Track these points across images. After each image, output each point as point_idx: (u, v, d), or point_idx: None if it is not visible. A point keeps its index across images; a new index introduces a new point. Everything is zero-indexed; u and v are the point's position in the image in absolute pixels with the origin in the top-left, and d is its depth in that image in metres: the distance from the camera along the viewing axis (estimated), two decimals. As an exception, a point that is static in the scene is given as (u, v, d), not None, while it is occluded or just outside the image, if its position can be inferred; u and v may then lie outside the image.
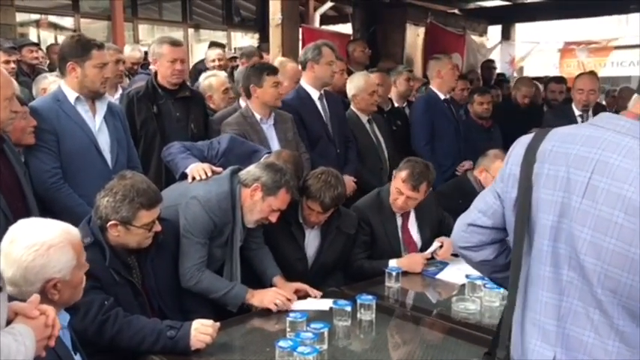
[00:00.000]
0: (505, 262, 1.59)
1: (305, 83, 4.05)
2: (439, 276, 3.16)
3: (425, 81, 5.84)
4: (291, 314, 2.38)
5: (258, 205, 2.75)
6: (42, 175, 2.86)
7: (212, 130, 3.70)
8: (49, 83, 3.82)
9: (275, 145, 3.55)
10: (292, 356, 2.05)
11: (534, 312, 1.42)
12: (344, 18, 9.42)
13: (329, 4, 9.06)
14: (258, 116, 3.58)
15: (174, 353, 2.21)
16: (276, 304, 2.61)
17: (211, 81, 4.31)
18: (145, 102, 3.55)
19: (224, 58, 5.78)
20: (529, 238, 1.42)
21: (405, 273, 3.08)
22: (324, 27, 9.07)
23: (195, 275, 2.64)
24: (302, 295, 2.79)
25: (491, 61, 8.69)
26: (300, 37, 6.62)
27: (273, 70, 3.63)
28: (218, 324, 2.30)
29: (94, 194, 2.42)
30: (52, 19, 8.26)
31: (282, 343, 2.10)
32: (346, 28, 9.17)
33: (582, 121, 4.49)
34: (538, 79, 7.59)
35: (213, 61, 5.59)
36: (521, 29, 12.12)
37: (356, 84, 4.32)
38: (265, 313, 2.63)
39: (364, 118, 4.36)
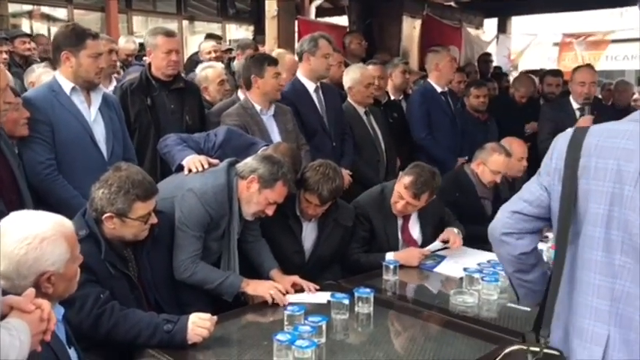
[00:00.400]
0: (533, 262, 1.71)
1: (301, 75, 4.01)
2: (437, 269, 3.16)
3: (423, 74, 5.82)
4: (289, 307, 2.37)
5: (255, 197, 2.72)
6: (36, 166, 2.83)
7: (210, 123, 3.66)
8: (38, 76, 3.78)
9: (276, 136, 3.52)
10: (290, 349, 2.04)
11: (585, 294, 1.53)
12: (340, 10, 9.37)
13: (325, -4, 9.03)
14: (258, 107, 3.55)
15: (171, 347, 2.19)
16: (271, 295, 2.60)
17: (207, 72, 4.27)
18: (138, 94, 3.50)
19: (219, 50, 5.74)
20: (575, 227, 1.55)
21: (403, 266, 3.07)
22: (319, 19, 9.02)
23: (189, 267, 2.62)
24: (299, 289, 2.78)
25: (488, 54, 8.69)
26: (296, 29, 6.59)
27: (273, 61, 3.60)
28: (215, 317, 2.28)
29: (89, 186, 2.39)
30: (45, 10, 8.13)
31: (279, 337, 2.09)
32: (342, 21, 9.12)
33: (582, 115, 4.46)
34: (534, 72, 7.56)
35: (209, 53, 5.55)
36: (517, 22, 12.12)
37: (352, 76, 4.28)
38: (263, 306, 2.62)
39: (361, 110, 4.33)
